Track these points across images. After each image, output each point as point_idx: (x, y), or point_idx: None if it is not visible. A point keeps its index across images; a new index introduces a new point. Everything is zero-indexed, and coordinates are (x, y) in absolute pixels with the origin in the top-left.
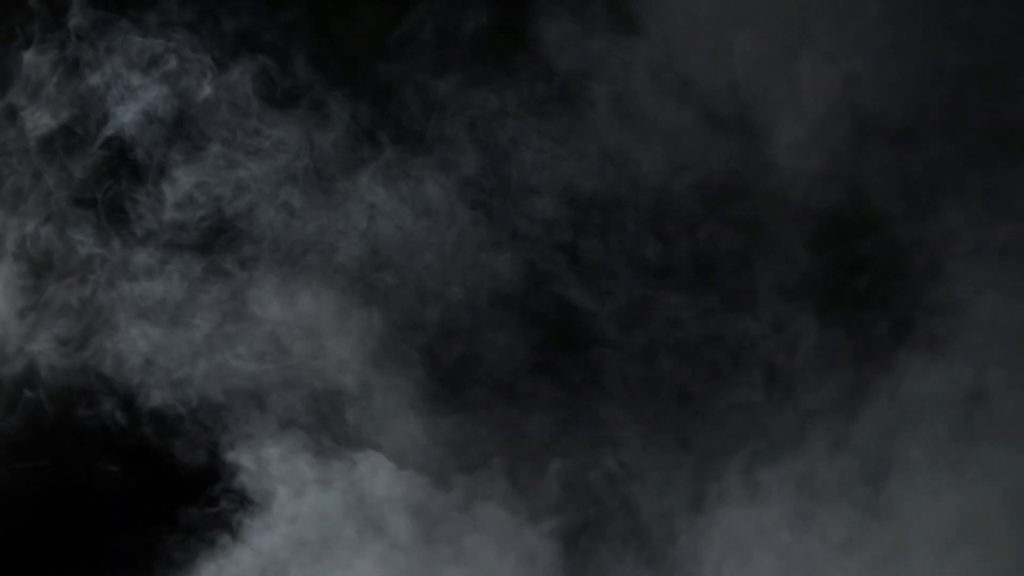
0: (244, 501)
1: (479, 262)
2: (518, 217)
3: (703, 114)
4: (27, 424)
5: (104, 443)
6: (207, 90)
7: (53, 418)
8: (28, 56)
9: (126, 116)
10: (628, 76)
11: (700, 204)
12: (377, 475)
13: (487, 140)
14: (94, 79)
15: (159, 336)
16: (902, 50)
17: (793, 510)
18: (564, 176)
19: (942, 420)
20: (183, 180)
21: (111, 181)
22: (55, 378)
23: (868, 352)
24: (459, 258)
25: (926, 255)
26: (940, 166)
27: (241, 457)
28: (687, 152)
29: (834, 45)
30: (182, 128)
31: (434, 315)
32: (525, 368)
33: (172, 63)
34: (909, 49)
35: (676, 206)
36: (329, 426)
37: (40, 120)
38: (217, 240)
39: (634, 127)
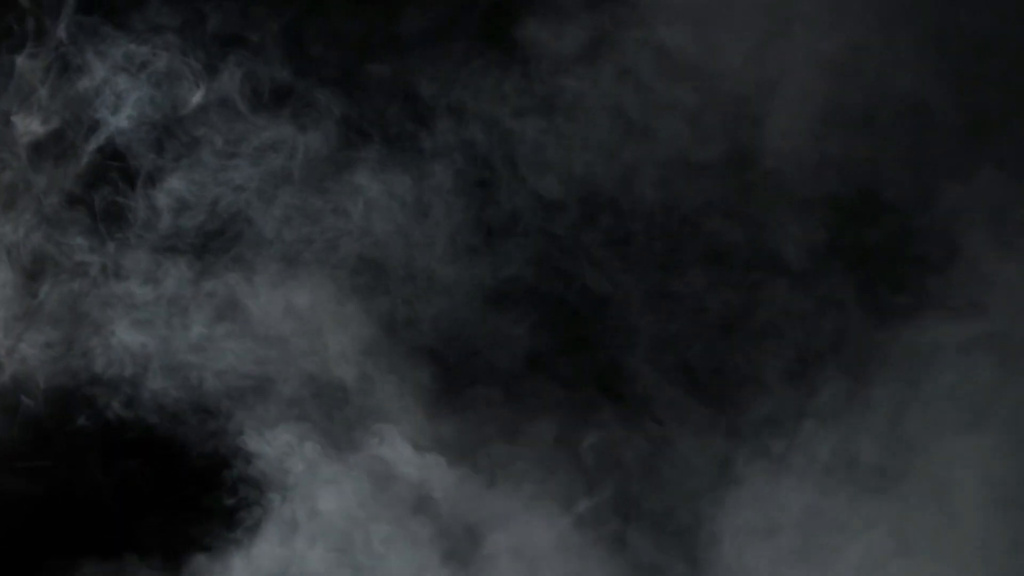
0: (263, 487)
1: (486, 253)
2: (519, 207)
3: (705, 101)
4: (27, 429)
5: (112, 442)
6: (197, 93)
7: (54, 421)
8: (19, 61)
9: (117, 121)
10: (628, 64)
11: (706, 191)
12: (398, 457)
13: (484, 133)
14: (84, 84)
15: (158, 335)
16: (905, 23)
17: (815, 486)
18: (565, 167)
19: (966, 392)
20: (175, 182)
21: (104, 185)
22: (52, 382)
23: (889, 328)
24: (464, 249)
25: (943, 232)
26: (952, 142)
27: (254, 446)
28: (691, 139)
29: (835, 22)
30: (173, 131)
31: (443, 306)
32: (540, 356)
33: (161, 67)
34: (912, 22)
35: (683, 193)
36: (338, 416)
37: (31, 125)
38: (212, 241)
39: (635, 116)
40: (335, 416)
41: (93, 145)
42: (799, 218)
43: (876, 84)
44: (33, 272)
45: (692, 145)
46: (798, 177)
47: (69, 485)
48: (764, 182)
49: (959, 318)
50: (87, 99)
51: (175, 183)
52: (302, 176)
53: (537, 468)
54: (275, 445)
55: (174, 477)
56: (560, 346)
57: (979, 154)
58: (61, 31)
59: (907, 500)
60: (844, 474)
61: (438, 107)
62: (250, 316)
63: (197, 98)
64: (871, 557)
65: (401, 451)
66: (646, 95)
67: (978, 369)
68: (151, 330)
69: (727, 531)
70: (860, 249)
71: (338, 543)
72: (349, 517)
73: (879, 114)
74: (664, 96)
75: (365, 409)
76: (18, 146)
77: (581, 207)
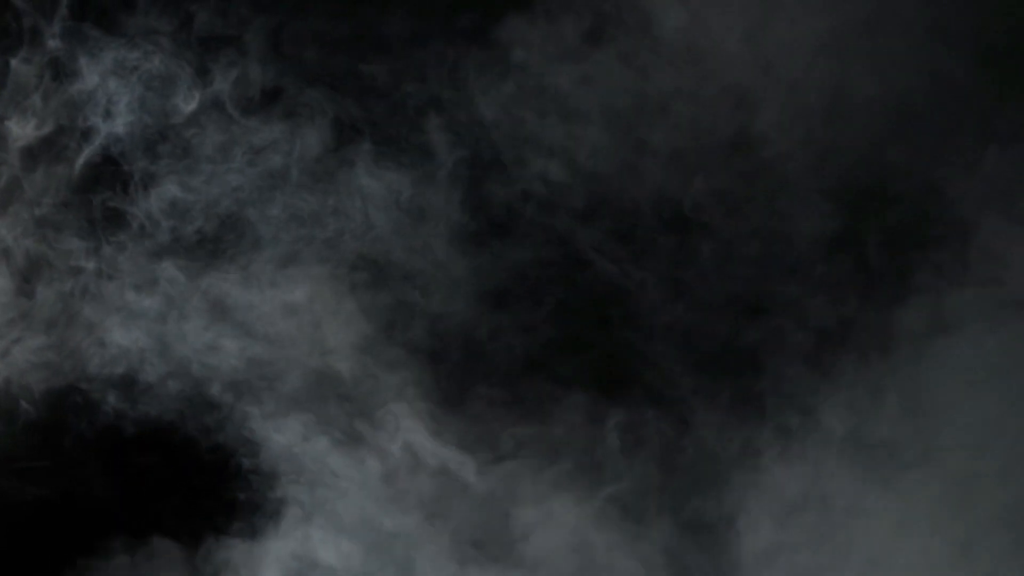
0: (277, 477)
1: (489, 247)
2: (520, 201)
3: (707, 88)
4: (28, 433)
5: (118, 442)
6: (190, 96)
7: (56, 425)
8: (13, 66)
9: (111, 125)
10: (625, 54)
11: (717, 176)
12: (413, 443)
13: (482, 129)
14: (78, 89)
15: (157, 335)
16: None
17: (834, 466)
18: (565, 159)
19: (985, 367)
20: (171, 185)
21: (99, 189)
22: (50, 385)
23: (906, 306)
24: (466, 244)
25: (954, 212)
26: (956, 123)
27: (266, 439)
28: (697, 126)
29: (836, 5)
30: (167, 134)
31: (447, 300)
32: (556, 344)
33: (154, 71)
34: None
35: (693, 178)
36: (348, 408)
37: (26, 130)
38: (209, 241)
39: (635, 107)
40: (344, 408)
41: (87, 149)
42: (811, 203)
43: (880, 70)
44: (29, 276)
45: (699, 132)
46: (806, 163)
47: (80, 487)
48: (774, 167)
49: (976, 294)
50: (81, 104)
51: (170, 185)
52: (298, 175)
53: (559, 453)
54: (288, 436)
55: (188, 471)
56: (575, 335)
57: (984, 134)
58: (54, 37)
59: (928, 478)
60: (864, 454)
61: (433, 104)
62: (250, 315)
63: (190, 101)
64: (892, 535)
65: (416, 438)
66: (644, 84)
67: (997, 343)
68: (150, 331)
69: (746, 512)
70: (874, 232)
71: (356, 528)
72: (366, 502)
73: (883, 100)
74: (664, 85)
75: (374, 401)
76: (12, 150)
77: (585, 199)
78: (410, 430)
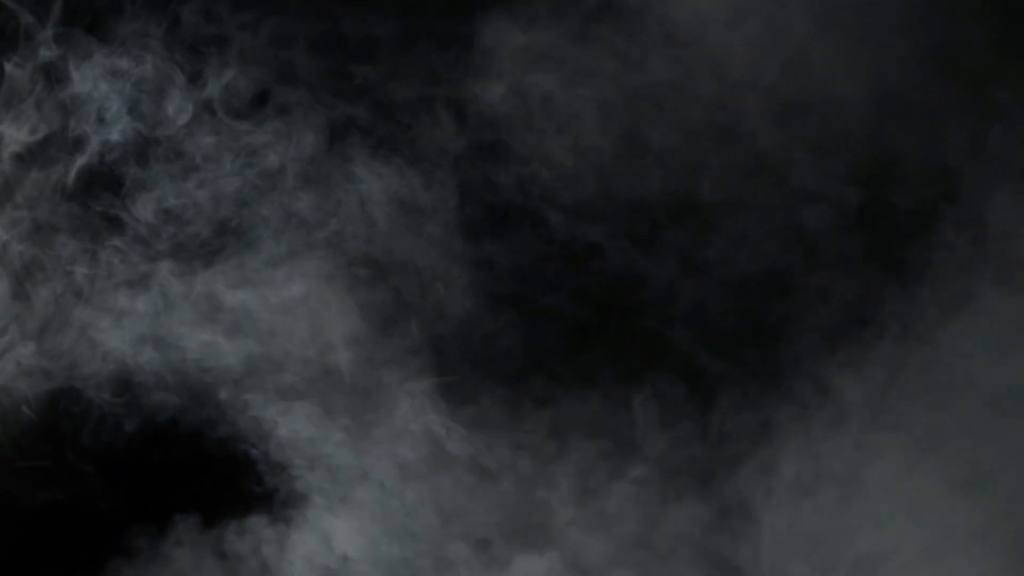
0: (290, 469)
1: (494, 243)
2: (520, 193)
3: (708, 76)
4: (27, 436)
5: (126, 439)
6: (184, 99)
7: (55, 428)
8: (7, 70)
9: (106, 128)
10: (623, 45)
11: (727, 164)
12: (434, 435)
13: (479, 126)
14: (71, 95)
15: (159, 332)
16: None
17: (854, 444)
18: (568, 154)
19: (1007, 343)
20: (165, 188)
21: (94, 192)
22: (49, 389)
23: (924, 282)
24: (471, 239)
25: (963, 194)
26: (966, 105)
27: (274, 432)
28: (698, 118)
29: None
30: (161, 137)
31: (471, 292)
32: (573, 333)
33: (147, 76)
34: None
35: (703, 166)
36: (358, 400)
37: (19, 135)
38: (205, 244)
39: (634, 99)
40: (357, 399)
41: (81, 154)
42: (822, 187)
43: (879, 53)
44: (24, 280)
45: (702, 120)
46: (813, 148)
47: (94, 486)
48: (781, 154)
49: (991, 270)
50: (74, 109)
51: (164, 188)
52: (294, 175)
53: (584, 437)
54: (300, 427)
55: (203, 465)
56: (587, 324)
57: (987, 113)
58: (47, 42)
59: (945, 460)
60: (881, 434)
61: (430, 100)
62: (251, 313)
63: (184, 104)
64: (909, 518)
65: (436, 428)
66: (643, 74)
67: (1013, 319)
68: (149, 330)
69: (764, 492)
70: (887, 213)
71: (379, 517)
72: (388, 491)
73: (884, 83)
74: (664, 74)
75: (389, 392)
76: (6, 155)
77: (587, 192)
78: (430, 420)
